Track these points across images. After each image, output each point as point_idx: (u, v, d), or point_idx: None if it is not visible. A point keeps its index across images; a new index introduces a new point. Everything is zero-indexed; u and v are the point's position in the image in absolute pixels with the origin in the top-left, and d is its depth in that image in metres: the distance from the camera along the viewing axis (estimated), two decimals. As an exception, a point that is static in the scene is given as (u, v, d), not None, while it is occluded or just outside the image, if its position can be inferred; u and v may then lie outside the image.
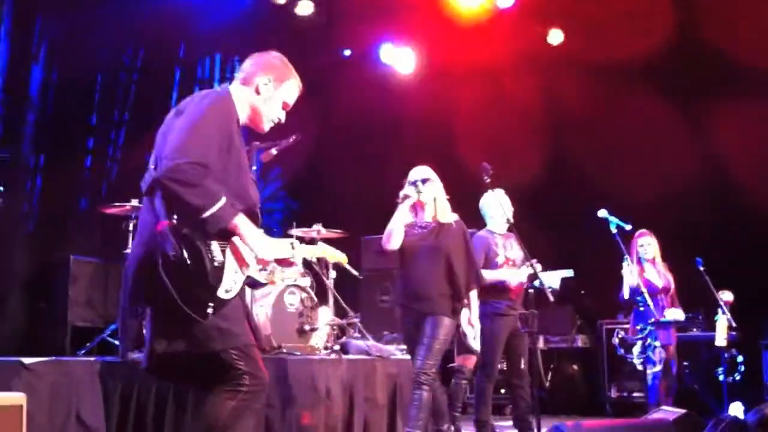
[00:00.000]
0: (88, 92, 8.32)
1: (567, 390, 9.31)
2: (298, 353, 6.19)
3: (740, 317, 7.16)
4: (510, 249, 6.21)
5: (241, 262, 3.08)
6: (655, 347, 6.77)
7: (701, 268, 7.11)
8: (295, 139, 6.77)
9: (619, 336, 7.31)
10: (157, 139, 3.15)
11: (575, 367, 9.48)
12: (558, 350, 9.45)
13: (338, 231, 7.32)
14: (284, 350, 6.17)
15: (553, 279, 6.19)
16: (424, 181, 5.31)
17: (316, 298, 6.78)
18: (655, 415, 5.33)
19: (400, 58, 10.29)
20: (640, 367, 6.96)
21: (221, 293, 2.98)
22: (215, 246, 2.99)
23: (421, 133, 10.09)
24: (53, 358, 4.77)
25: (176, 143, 2.96)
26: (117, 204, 6.45)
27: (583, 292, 9.42)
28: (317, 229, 7.13)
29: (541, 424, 5.79)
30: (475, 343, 6.91)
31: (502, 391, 8.16)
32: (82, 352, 6.45)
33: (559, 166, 9.72)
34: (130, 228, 6.47)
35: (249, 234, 3.05)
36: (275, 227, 9.68)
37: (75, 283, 7.25)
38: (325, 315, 6.80)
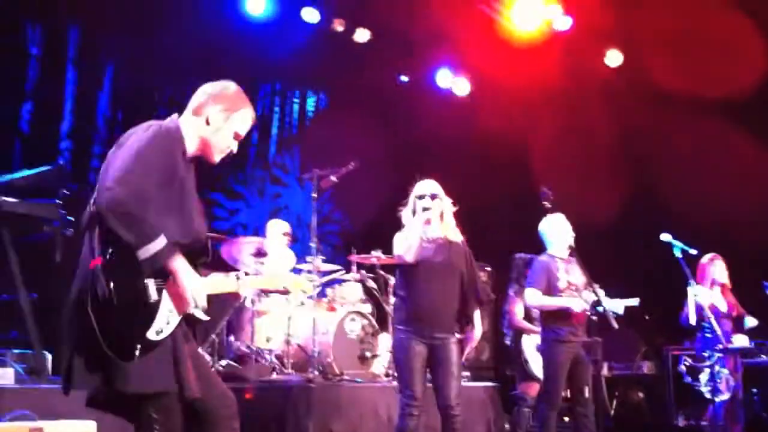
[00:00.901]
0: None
1: (632, 418, 9.13)
2: (360, 380, 6.21)
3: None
4: (572, 274, 6.13)
5: (178, 301, 2.98)
6: (722, 374, 6.63)
7: (768, 293, 6.95)
8: (354, 166, 6.84)
9: (686, 363, 7.15)
10: (99, 175, 3.04)
11: (640, 394, 9.29)
12: (623, 377, 9.29)
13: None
14: (346, 377, 6.18)
15: (617, 305, 6.10)
16: (433, 196, 5.02)
17: (376, 325, 6.79)
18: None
19: (456, 82, 10.34)
20: (708, 395, 6.81)
21: (151, 334, 2.88)
22: (151, 284, 2.91)
23: (479, 156, 10.11)
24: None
25: (117, 174, 2.87)
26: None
27: (647, 317, 9.25)
28: (377, 255, 7.13)
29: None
30: (538, 371, 6.88)
31: (566, 419, 8.03)
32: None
33: (620, 189, 9.58)
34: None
35: (184, 277, 2.95)
36: (331, 252, 9.75)
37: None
38: (386, 341, 6.79)
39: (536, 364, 6.94)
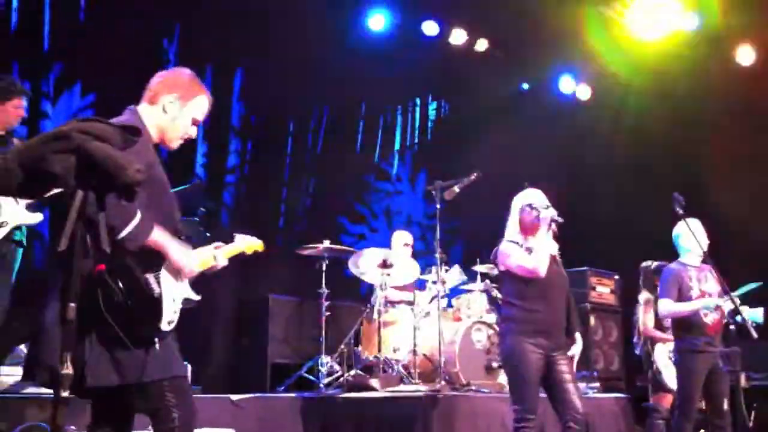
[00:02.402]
0: (280, 146, 8.87)
1: (773, 431, 8.74)
2: (486, 390, 6.21)
3: None
4: (705, 282, 5.92)
5: (175, 278, 3.06)
6: None
7: None
8: (477, 176, 6.84)
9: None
10: None
11: (781, 406, 8.89)
12: (762, 388, 8.89)
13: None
14: (473, 387, 6.20)
15: (756, 313, 5.86)
16: (547, 206, 4.86)
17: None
18: None
19: (579, 88, 10.22)
20: None
21: (164, 326, 2.97)
22: (151, 278, 2.96)
23: (603, 162, 9.94)
24: (258, 394, 5.00)
25: None
26: (310, 246, 6.81)
27: (787, 325, 8.82)
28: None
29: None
30: (672, 381, 6.68)
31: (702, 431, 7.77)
32: (282, 388, 6.77)
33: (750, 191, 9.19)
34: (323, 268, 6.82)
35: (171, 247, 3.02)
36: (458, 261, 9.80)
37: (273, 321, 7.63)
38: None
39: (669, 375, 6.74)
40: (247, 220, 8.09)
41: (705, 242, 5.87)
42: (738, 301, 5.56)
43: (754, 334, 5.37)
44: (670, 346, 6.75)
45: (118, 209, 2.84)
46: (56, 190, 2.87)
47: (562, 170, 10.08)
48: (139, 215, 2.91)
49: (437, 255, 6.79)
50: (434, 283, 6.83)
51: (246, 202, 8.49)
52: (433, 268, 6.90)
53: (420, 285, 7.28)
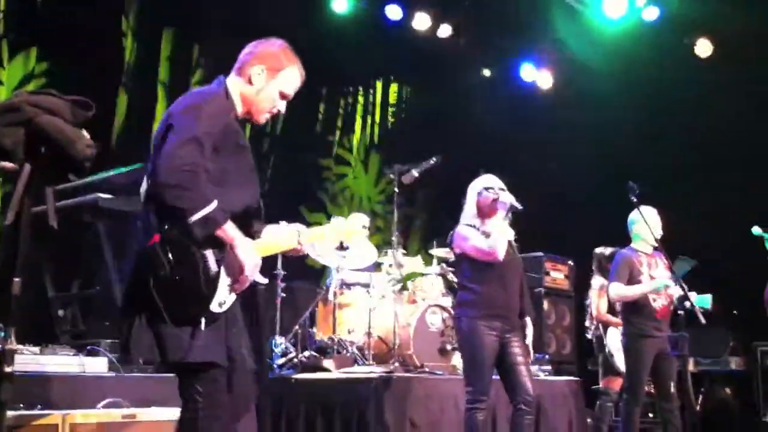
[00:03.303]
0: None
1: (719, 414, 8.93)
2: (440, 372, 6.27)
3: None
4: (655, 268, 6.04)
5: (235, 271, 2.94)
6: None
7: None
8: (436, 161, 6.88)
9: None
10: (152, 145, 3.01)
11: (728, 390, 9.09)
12: (710, 373, 9.10)
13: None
14: (427, 369, 6.25)
15: (704, 299, 5.99)
16: (502, 189, 4.96)
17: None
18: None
19: (540, 75, 10.29)
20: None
21: (214, 307, 2.88)
22: (210, 255, 2.87)
23: (562, 150, 10.04)
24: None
25: (167, 148, 2.85)
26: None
27: (736, 312, 9.02)
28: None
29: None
30: (622, 365, 6.81)
31: (651, 415, 7.93)
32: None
33: (709, 181, 9.37)
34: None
35: (238, 242, 2.90)
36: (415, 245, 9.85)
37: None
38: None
39: (621, 358, 6.87)
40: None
41: (658, 231, 5.98)
42: (686, 287, 5.68)
43: (702, 320, 5.50)
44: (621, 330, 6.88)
45: (192, 193, 2.79)
46: (4, 164, 2.85)
47: (521, 157, 10.18)
48: (215, 204, 2.83)
49: (394, 238, 6.84)
50: (391, 266, 6.87)
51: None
52: (390, 252, 6.94)
53: (376, 268, 7.31)
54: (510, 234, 4.98)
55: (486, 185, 5.01)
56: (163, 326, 2.83)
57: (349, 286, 6.92)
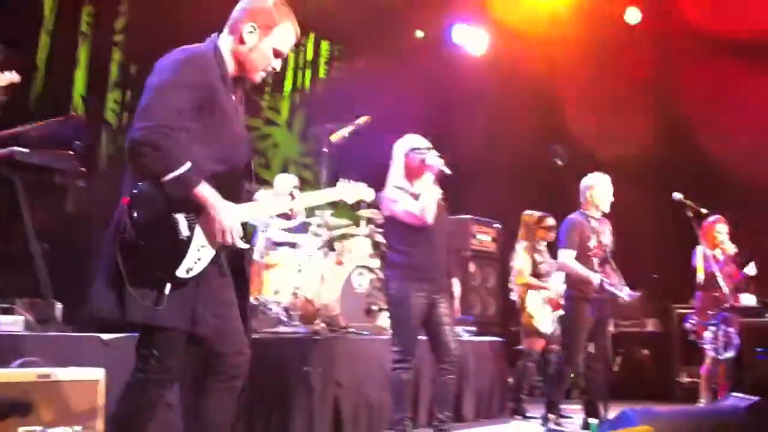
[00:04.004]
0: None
1: (637, 375, 9.23)
2: (366, 333, 6.29)
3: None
4: (603, 234, 6.14)
5: (211, 235, 2.87)
6: (728, 333, 6.70)
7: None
8: (366, 121, 6.82)
9: (692, 321, 7.21)
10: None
11: (645, 351, 9.39)
12: (628, 334, 9.36)
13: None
14: (352, 330, 6.27)
15: (623, 293, 6.13)
16: (429, 148, 4.94)
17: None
18: (727, 401, 5.25)
19: (472, 39, 10.29)
20: (711, 353, 6.89)
21: (181, 272, 2.81)
22: (181, 219, 2.82)
23: (495, 114, 10.09)
24: (131, 333, 4.91)
25: (143, 104, 2.79)
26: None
27: (655, 275, 9.28)
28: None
29: (609, 409, 5.79)
30: (543, 326, 6.96)
31: (572, 375, 8.13)
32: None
33: (636, 148, 9.54)
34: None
35: (213, 206, 2.84)
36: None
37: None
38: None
39: (541, 320, 7.01)
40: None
41: (610, 199, 6.10)
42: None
43: (621, 300, 5.70)
44: (544, 293, 7.02)
45: (163, 153, 2.72)
46: None
47: (452, 121, 10.19)
48: (188, 165, 2.77)
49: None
50: (319, 226, 6.82)
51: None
52: (318, 212, 6.88)
53: (303, 228, 7.25)
54: (438, 193, 4.99)
55: (413, 146, 5.00)
56: (124, 288, 2.78)
57: (276, 246, 6.86)
